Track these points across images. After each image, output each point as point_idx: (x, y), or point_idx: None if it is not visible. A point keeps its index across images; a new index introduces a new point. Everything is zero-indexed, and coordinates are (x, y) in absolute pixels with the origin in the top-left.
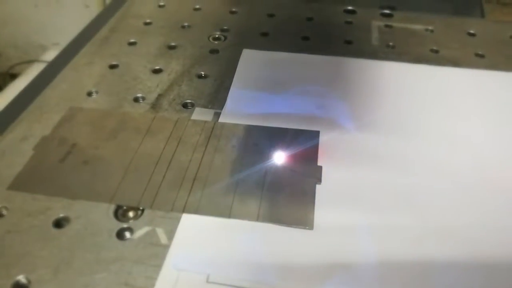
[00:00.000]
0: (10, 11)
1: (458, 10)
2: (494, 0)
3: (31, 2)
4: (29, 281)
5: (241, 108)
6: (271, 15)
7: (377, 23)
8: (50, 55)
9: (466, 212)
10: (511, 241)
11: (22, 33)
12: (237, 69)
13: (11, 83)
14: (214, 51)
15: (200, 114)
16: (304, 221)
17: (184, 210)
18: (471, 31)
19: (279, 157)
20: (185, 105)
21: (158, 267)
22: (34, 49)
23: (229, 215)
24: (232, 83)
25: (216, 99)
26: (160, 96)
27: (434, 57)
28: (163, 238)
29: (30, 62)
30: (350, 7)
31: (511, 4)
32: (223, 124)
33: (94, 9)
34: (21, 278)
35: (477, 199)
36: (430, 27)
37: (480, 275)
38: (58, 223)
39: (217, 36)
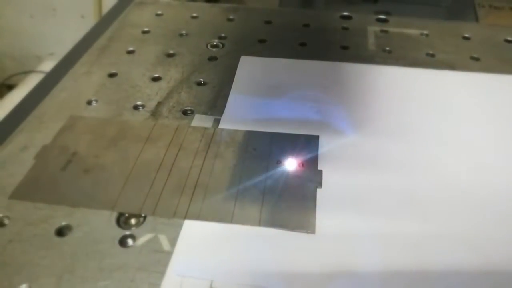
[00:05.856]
0: (6, 22)
1: (452, 15)
2: (487, 5)
3: (27, 13)
4: None
5: (240, 114)
6: (268, 22)
7: (373, 29)
8: (46, 65)
9: (466, 215)
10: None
11: (18, 44)
12: (236, 75)
13: (7, 94)
14: (212, 58)
15: (200, 121)
16: (305, 225)
17: (186, 216)
18: (466, 35)
19: (279, 162)
20: (185, 112)
21: (161, 273)
22: (31, 59)
23: (231, 221)
24: (231, 90)
25: (216, 106)
26: (159, 103)
27: (430, 61)
28: (165, 245)
29: (27, 73)
30: (346, 13)
31: (504, 8)
32: (223, 130)
33: (90, 19)
34: None
35: (477, 202)
36: (425, 32)
37: (482, 278)
38: (60, 232)
39: (215, 43)
